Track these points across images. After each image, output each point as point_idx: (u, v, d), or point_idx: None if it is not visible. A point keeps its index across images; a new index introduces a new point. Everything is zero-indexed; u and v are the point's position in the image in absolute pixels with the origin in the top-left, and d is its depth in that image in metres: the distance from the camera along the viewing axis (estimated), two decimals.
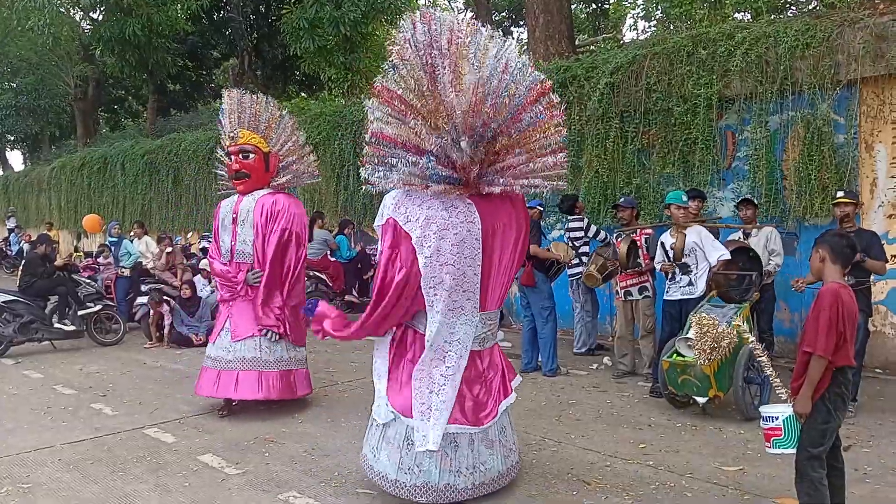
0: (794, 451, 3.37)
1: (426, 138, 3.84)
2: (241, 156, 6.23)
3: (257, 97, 6.43)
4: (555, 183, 4.23)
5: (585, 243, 8.16)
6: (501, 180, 4.01)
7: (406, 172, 3.95)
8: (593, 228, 8.03)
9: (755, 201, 7.32)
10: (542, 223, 9.05)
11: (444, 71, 3.76)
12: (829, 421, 3.30)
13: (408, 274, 4.00)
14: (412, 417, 4.03)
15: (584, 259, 8.04)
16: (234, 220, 6.25)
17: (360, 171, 4.16)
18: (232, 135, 6.24)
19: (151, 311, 9.82)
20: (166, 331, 9.67)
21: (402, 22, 3.89)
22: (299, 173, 6.69)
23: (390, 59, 3.91)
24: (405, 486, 4.03)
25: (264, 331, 6.12)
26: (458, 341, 4.11)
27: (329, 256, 11.26)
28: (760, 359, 3.63)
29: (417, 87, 3.84)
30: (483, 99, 3.80)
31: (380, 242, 4.25)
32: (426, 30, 3.81)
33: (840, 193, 5.88)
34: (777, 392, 3.62)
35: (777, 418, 3.38)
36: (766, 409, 3.52)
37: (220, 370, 6.07)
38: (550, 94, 4.17)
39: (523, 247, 4.45)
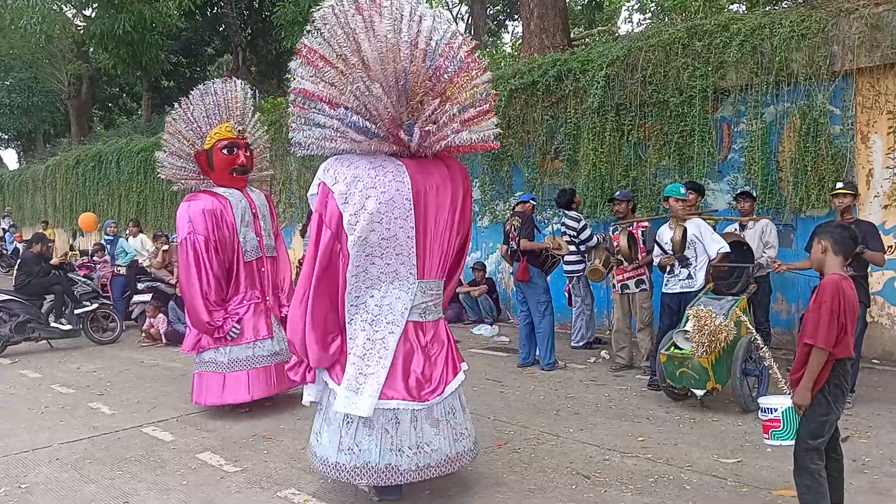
0: (792, 442, 3.37)
1: (342, 88, 3.84)
2: (245, 150, 6.23)
3: (249, 89, 6.44)
4: (481, 139, 4.12)
5: (582, 241, 8.12)
6: (424, 131, 3.96)
7: (327, 126, 3.93)
8: (587, 232, 7.80)
9: (753, 194, 7.31)
10: (537, 217, 9.05)
11: (359, 27, 3.80)
12: (829, 413, 3.29)
13: (335, 234, 3.95)
14: (383, 398, 3.88)
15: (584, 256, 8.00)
16: (255, 215, 6.23)
17: (290, 134, 4.14)
18: (241, 128, 6.20)
19: (147, 315, 9.83)
20: (162, 330, 9.66)
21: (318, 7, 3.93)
22: (265, 169, 6.84)
23: (313, 22, 3.92)
24: (345, 468, 3.90)
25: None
26: (389, 308, 4.01)
27: None
28: (761, 350, 3.63)
29: (337, 46, 3.86)
30: (394, 49, 3.83)
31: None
32: (343, 8, 3.86)
33: (839, 184, 5.87)
34: (777, 384, 3.62)
35: (776, 410, 3.37)
36: (764, 401, 3.51)
37: (278, 363, 6.04)
38: (472, 53, 4.13)
39: (464, 211, 4.31)
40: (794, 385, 3.36)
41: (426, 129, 3.95)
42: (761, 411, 3.47)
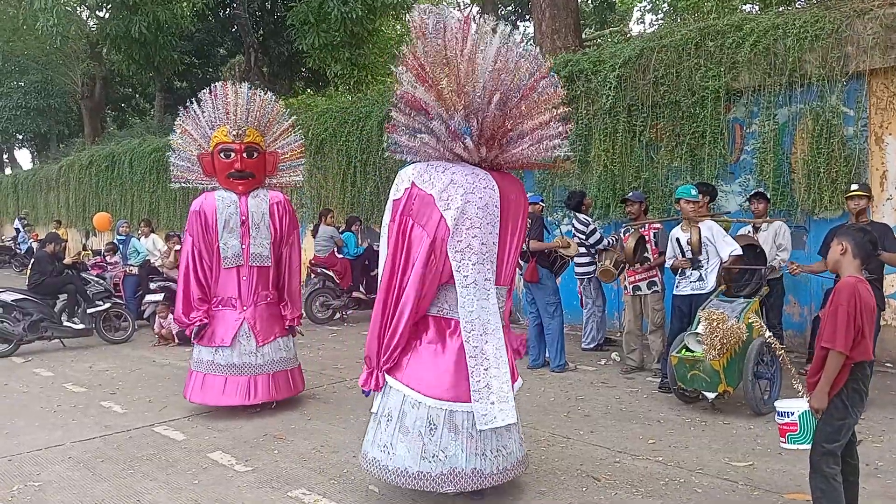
0: (809, 446, 3.33)
1: (456, 100, 3.85)
2: (245, 154, 6.13)
3: (265, 94, 6.39)
4: (555, 153, 4.21)
5: (591, 245, 8.07)
6: (517, 146, 4.07)
7: (436, 132, 3.94)
8: (596, 235, 7.76)
9: (767, 195, 7.26)
10: (548, 218, 9.02)
11: (458, 47, 3.86)
12: (846, 417, 3.25)
13: (432, 238, 3.91)
14: (467, 402, 3.87)
15: (595, 257, 7.96)
16: (245, 223, 6.12)
17: (384, 137, 4.19)
18: (238, 132, 6.08)
19: (158, 316, 9.88)
20: (174, 330, 9.70)
21: (410, 17, 3.97)
22: (294, 174, 6.74)
23: (414, 32, 3.94)
24: (430, 476, 3.84)
25: (287, 329, 6.36)
26: (494, 313, 4.01)
27: (336, 253, 11.25)
28: (777, 350, 3.61)
29: (439, 57, 3.88)
30: (505, 60, 3.91)
31: (386, 221, 4.13)
32: (437, 19, 3.90)
33: (854, 186, 5.84)
34: (792, 386, 3.59)
35: (793, 413, 3.35)
36: (781, 405, 3.49)
37: (253, 376, 6.02)
38: (550, 76, 4.22)
39: (523, 225, 4.41)
40: (810, 389, 3.32)
41: (531, 142, 4.04)
42: (778, 415, 3.44)
